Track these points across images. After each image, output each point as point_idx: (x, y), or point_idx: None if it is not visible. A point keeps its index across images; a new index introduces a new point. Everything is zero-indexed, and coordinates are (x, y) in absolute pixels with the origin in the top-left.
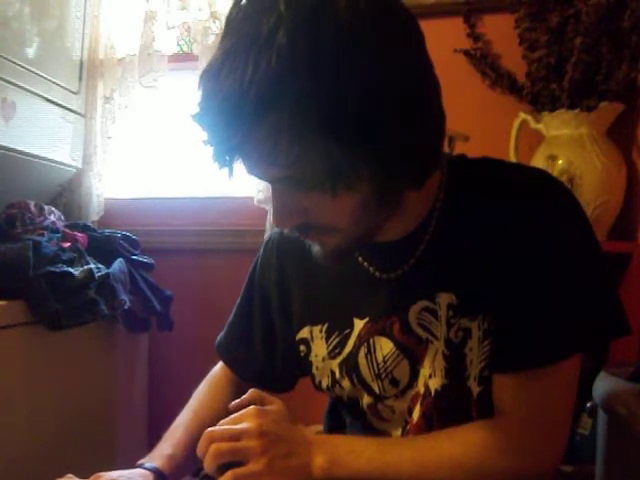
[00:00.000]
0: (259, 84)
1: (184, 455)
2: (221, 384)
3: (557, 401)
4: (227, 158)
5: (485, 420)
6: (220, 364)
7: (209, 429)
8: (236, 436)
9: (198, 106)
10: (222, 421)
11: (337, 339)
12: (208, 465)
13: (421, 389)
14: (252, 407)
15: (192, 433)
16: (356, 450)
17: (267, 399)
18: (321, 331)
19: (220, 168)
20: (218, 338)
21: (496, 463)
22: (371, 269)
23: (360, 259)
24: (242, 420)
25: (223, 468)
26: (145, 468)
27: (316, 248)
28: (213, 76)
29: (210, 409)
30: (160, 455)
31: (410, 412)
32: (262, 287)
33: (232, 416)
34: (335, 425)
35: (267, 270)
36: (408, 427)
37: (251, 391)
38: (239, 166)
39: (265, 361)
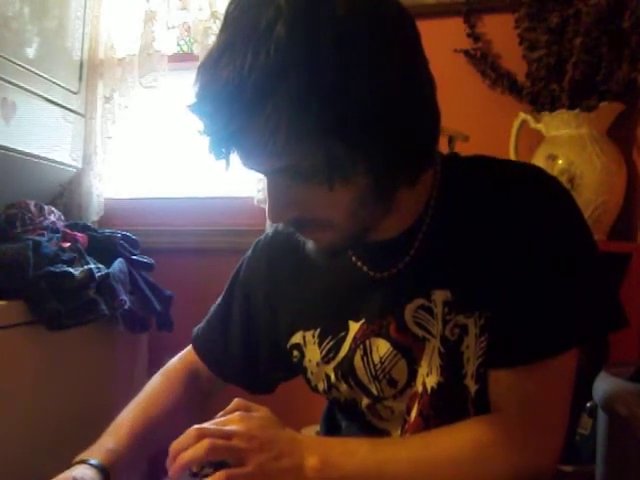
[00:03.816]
0: (258, 73)
1: (127, 453)
2: (179, 380)
3: (554, 395)
4: (223, 149)
5: (481, 416)
6: (181, 356)
7: (197, 426)
8: (227, 436)
9: (195, 96)
10: (207, 423)
11: (331, 343)
12: (197, 456)
13: (419, 388)
14: (237, 413)
15: (137, 432)
16: (350, 450)
17: (252, 407)
18: (314, 336)
19: (216, 159)
20: (195, 330)
21: (494, 459)
22: (365, 268)
23: (354, 259)
24: (228, 424)
25: (207, 466)
26: (89, 464)
27: (310, 244)
28: (211, 67)
29: (160, 406)
30: (103, 449)
31: (409, 411)
32: (246, 287)
33: (217, 420)
34: (332, 427)
35: (255, 270)
36: (406, 426)
37: (236, 400)
38: (237, 162)
39: (243, 361)
